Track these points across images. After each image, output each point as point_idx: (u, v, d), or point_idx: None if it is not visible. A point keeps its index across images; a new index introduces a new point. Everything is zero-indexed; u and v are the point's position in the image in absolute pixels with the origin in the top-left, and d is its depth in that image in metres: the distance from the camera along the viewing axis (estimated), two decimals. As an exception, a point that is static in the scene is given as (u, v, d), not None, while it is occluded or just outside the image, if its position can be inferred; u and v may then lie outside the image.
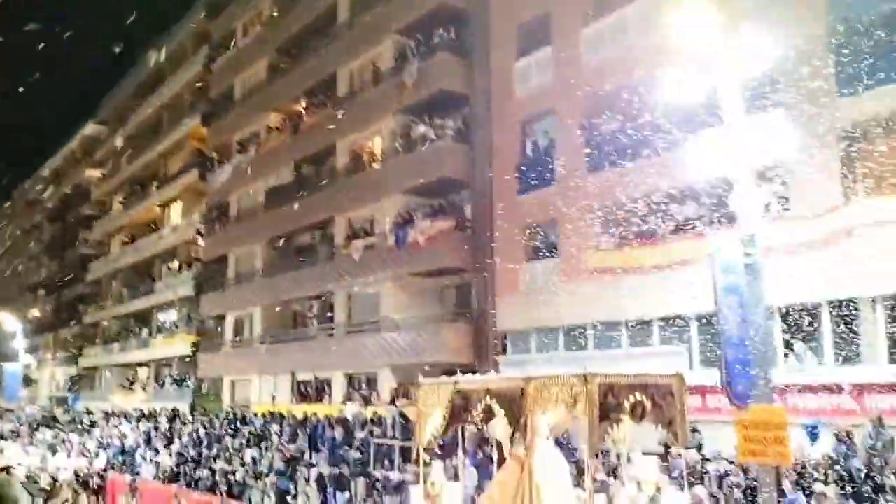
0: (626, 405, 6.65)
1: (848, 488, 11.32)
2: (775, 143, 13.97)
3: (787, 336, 15.31)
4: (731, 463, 12.33)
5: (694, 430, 13.24)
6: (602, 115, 19.50)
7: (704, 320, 16.22)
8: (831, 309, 14.71)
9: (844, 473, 11.73)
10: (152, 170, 46.37)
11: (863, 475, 11.47)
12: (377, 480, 19.73)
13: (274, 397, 30.67)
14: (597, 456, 8.48)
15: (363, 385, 27.01)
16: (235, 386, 34.80)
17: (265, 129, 33.61)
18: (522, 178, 21.70)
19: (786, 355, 15.17)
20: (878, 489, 11.18)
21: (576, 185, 19.59)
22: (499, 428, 7.77)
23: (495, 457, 8.75)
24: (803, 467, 12.17)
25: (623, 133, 18.47)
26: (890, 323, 14.01)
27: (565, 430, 8.44)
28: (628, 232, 18.43)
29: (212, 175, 36.87)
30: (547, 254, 21.24)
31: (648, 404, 6.82)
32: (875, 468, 11.59)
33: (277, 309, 32.24)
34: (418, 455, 8.59)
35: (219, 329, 36.63)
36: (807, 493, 11.67)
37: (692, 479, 11.28)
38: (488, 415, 7.41)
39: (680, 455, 10.64)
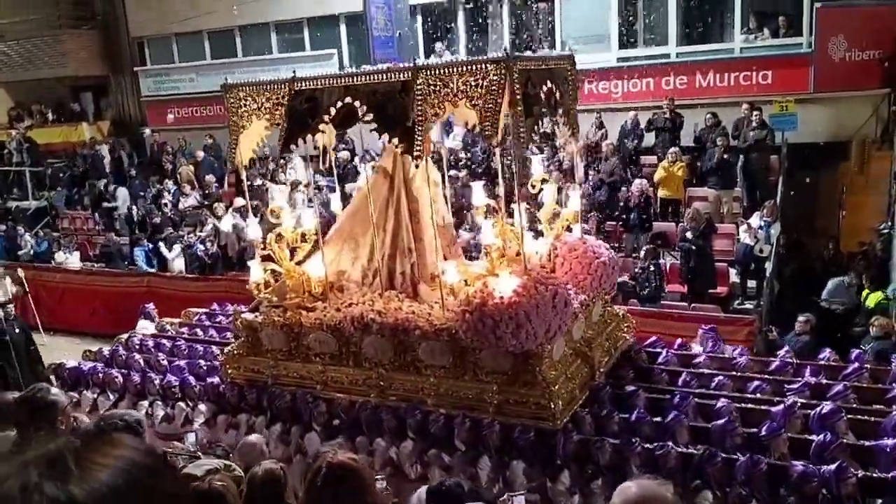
0: (542, 95, 5.41)
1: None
2: None
3: (431, 34, 16.13)
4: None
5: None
6: None
7: (354, 21, 16.21)
8: (465, 6, 15.63)
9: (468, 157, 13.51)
10: None
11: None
12: (9, 210, 17.85)
13: None
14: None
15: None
16: None
17: None
18: None
19: (428, 54, 16.06)
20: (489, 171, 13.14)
21: None
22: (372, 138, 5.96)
23: (366, 173, 6.61)
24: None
25: None
26: (511, 20, 15.44)
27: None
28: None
29: None
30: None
31: (558, 93, 5.65)
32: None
33: None
34: (238, 181, 6.25)
35: None
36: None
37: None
38: (348, 118, 5.61)
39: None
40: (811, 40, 12.93)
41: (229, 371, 6.81)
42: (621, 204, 11.87)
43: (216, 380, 6.91)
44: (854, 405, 5.48)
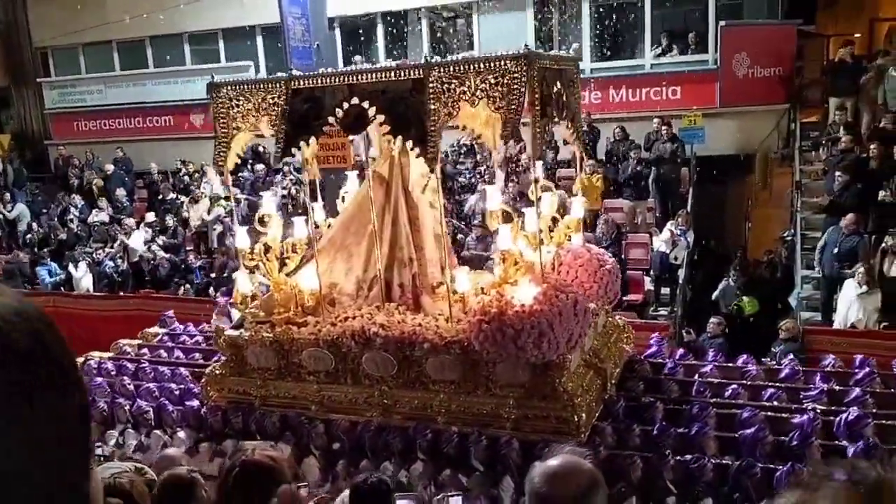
0: (553, 97, 5.22)
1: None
2: None
3: (349, 46, 16.04)
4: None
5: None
6: None
7: (271, 33, 15.96)
8: (384, 19, 15.64)
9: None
10: None
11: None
12: None
13: None
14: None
15: None
16: None
17: None
18: None
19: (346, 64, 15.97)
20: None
21: None
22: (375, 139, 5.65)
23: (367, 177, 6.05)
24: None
25: None
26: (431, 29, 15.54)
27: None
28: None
29: None
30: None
31: (565, 95, 5.42)
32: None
33: None
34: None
35: None
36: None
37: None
38: (359, 121, 5.21)
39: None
40: (717, 57, 13.50)
41: (211, 393, 6.31)
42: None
43: (195, 403, 6.38)
44: (874, 411, 5.32)
